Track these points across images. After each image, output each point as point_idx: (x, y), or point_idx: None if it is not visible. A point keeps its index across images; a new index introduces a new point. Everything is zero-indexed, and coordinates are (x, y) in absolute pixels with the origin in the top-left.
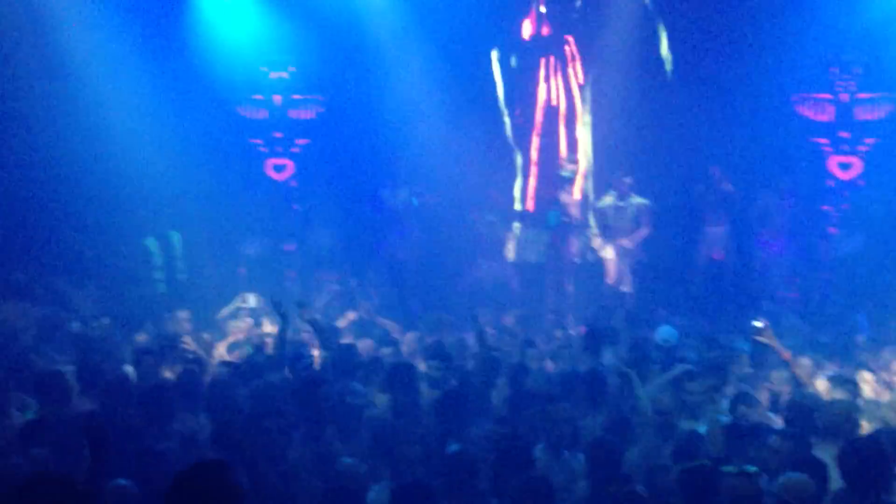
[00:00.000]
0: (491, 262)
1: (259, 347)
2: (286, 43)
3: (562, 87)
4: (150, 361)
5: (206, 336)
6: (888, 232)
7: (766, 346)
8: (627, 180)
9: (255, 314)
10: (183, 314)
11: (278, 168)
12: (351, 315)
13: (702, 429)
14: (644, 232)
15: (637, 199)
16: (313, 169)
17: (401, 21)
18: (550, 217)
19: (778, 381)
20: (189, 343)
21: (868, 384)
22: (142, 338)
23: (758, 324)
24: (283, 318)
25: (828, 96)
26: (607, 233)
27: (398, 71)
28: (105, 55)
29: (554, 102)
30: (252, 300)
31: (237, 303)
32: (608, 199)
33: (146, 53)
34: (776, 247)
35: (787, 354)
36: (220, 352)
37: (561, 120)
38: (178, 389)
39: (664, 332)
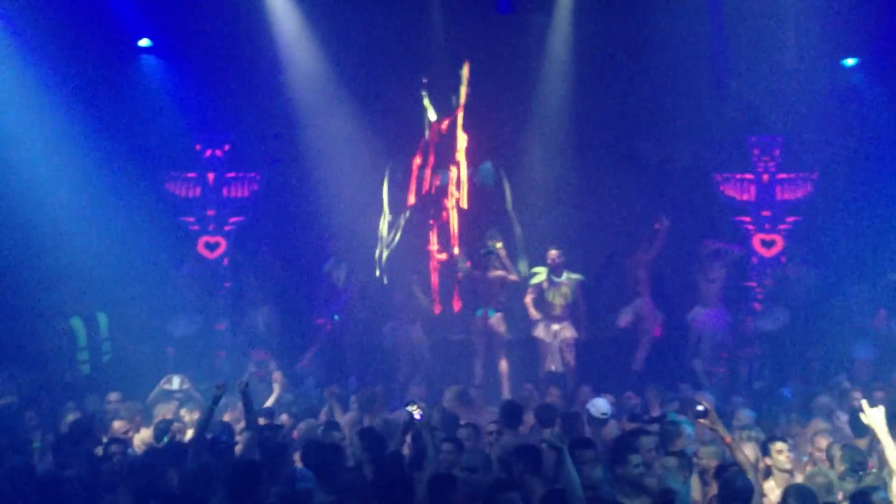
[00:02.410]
0: (428, 336)
1: (172, 432)
2: (221, 121)
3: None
4: (67, 447)
5: (117, 423)
6: (810, 307)
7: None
8: (554, 253)
9: (178, 396)
10: (111, 396)
11: (210, 246)
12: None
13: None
14: (581, 310)
15: (571, 275)
16: (247, 247)
17: (336, 98)
18: (479, 313)
19: (706, 455)
20: (116, 427)
21: (782, 455)
22: (67, 419)
23: (700, 407)
24: (215, 401)
25: (749, 176)
26: (541, 310)
27: (334, 148)
28: (31, 130)
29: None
30: (176, 382)
31: (162, 385)
32: (541, 276)
33: (75, 128)
34: (706, 320)
35: (728, 437)
36: (144, 436)
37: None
38: (95, 476)
39: (599, 405)
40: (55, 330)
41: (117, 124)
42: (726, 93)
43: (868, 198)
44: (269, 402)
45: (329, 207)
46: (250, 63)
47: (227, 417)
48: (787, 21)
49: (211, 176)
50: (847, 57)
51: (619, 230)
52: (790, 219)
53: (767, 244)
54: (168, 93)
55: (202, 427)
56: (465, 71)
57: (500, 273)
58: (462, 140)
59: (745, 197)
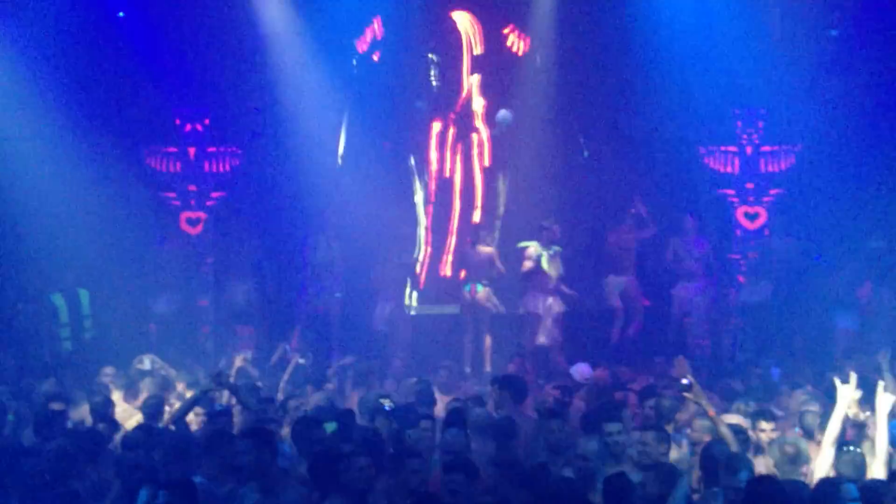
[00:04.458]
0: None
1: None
2: (201, 94)
3: (471, 145)
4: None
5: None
6: (793, 280)
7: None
8: (556, 228)
9: (153, 376)
10: (106, 370)
11: (192, 221)
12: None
13: (635, 476)
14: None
15: (556, 248)
16: (229, 222)
17: (319, 73)
18: (467, 288)
19: (699, 429)
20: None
21: (764, 434)
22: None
23: (685, 381)
24: (204, 393)
25: (733, 148)
26: (537, 282)
27: (317, 123)
28: (5, 105)
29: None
30: (147, 362)
31: (135, 365)
32: (532, 250)
33: (53, 100)
34: (689, 292)
35: (712, 411)
36: (127, 414)
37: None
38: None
39: (582, 371)
40: (36, 308)
41: (95, 97)
42: (710, 65)
43: (851, 169)
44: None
45: (312, 182)
46: (230, 34)
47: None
48: None
49: (192, 150)
50: (831, 28)
51: (603, 204)
52: (774, 191)
53: (751, 217)
54: (146, 65)
55: (185, 410)
56: (476, 36)
57: (489, 250)
58: (480, 104)
59: (729, 169)
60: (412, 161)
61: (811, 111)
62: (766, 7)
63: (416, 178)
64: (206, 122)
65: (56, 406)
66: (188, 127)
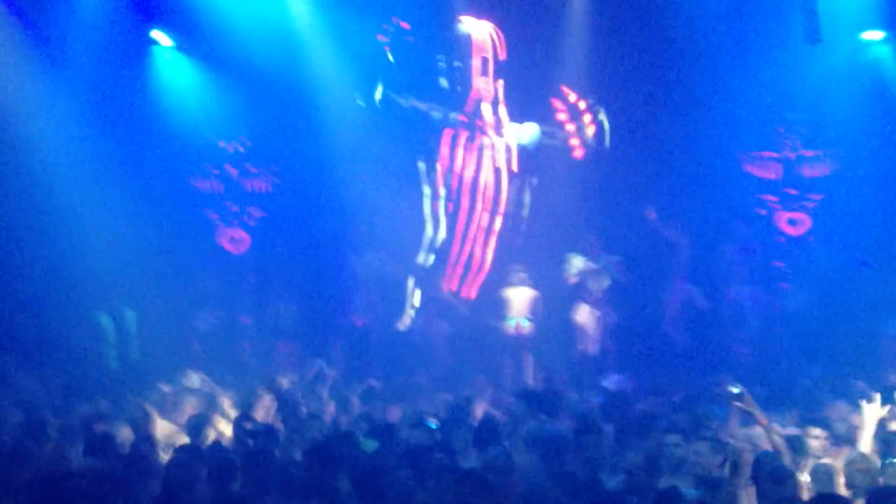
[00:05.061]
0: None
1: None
2: (242, 114)
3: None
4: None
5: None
6: (837, 287)
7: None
8: (591, 239)
9: (199, 394)
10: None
11: (233, 240)
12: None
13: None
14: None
15: (608, 257)
16: (270, 239)
17: (354, 93)
18: (511, 322)
19: (746, 440)
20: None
21: (817, 440)
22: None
23: (734, 389)
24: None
25: (774, 154)
26: (583, 295)
27: (353, 141)
28: (54, 127)
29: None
30: (196, 379)
31: (182, 382)
32: (578, 263)
33: (97, 123)
34: (737, 301)
35: (764, 420)
36: (169, 432)
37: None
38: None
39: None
40: (84, 328)
41: (140, 120)
42: (750, 71)
43: (894, 173)
44: None
45: (353, 200)
46: (270, 55)
47: (259, 415)
48: None
49: (234, 170)
50: (873, 30)
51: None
52: (816, 196)
53: (793, 223)
54: (189, 87)
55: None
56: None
57: (530, 293)
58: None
59: (770, 175)
60: (436, 169)
61: (853, 116)
62: (807, 12)
63: (440, 185)
64: (248, 142)
65: (103, 427)
66: (230, 147)
